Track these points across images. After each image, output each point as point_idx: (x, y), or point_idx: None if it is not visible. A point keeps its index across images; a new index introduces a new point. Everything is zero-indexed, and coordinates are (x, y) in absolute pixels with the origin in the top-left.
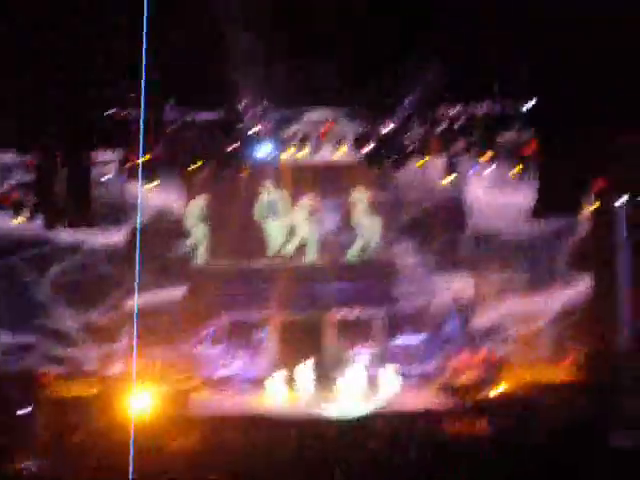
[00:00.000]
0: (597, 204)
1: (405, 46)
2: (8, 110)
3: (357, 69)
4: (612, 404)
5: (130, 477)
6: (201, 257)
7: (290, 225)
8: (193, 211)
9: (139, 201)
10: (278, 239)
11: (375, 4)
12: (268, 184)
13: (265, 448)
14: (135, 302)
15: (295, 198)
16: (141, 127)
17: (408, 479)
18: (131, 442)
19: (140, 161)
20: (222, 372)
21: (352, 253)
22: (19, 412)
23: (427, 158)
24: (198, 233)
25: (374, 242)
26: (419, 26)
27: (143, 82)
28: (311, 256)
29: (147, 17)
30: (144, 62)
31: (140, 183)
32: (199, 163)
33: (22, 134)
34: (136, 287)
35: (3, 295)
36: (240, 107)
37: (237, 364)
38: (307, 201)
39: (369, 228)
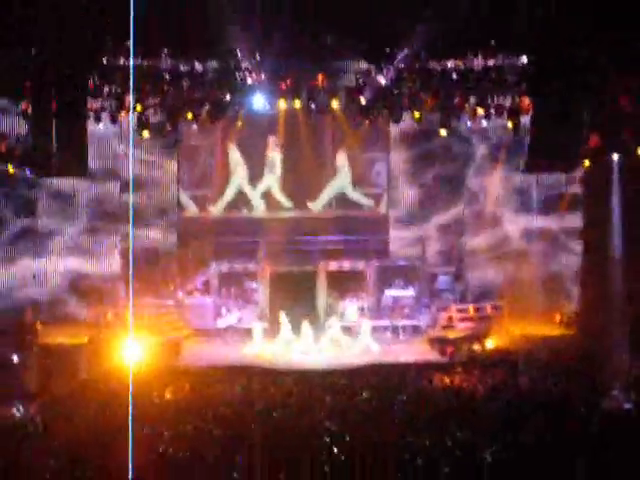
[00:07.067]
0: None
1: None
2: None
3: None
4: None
5: (130, 426)
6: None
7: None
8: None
9: (131, 150)
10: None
11: None
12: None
13: (255, 397)
14: (130, 251)
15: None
16: (131, 75)
17: (396, 431)
18: (129, 393)
19: (132, 110)
20: (214, 323)
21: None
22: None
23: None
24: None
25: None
26: None
27: (132, 29)
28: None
29: None
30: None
31: (132, 132)
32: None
33: (16, 80)
34: (131, 236)
35: None
36: (236, 58)
37: (229, 315)
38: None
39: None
